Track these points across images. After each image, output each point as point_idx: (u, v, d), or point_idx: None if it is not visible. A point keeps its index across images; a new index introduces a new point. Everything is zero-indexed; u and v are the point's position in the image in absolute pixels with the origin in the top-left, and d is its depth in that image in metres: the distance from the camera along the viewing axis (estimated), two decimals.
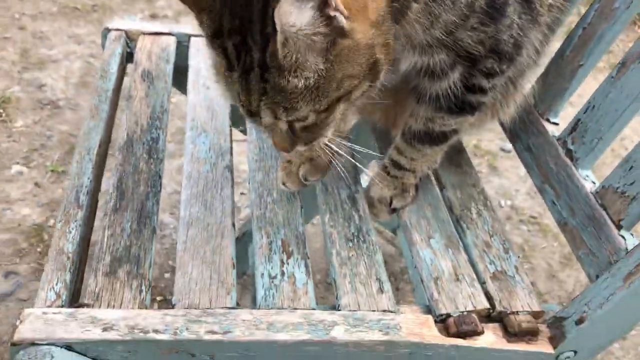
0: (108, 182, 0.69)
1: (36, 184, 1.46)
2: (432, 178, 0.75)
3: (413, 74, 0.62)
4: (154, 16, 2.13)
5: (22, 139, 1.58)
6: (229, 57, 0.51)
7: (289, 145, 0.55)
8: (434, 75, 0.61)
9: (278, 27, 0.46)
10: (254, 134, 0.76)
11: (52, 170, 1.50)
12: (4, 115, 1.64)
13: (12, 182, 1.46)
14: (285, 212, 0.66)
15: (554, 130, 0.73)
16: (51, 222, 1.38)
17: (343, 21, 0.47)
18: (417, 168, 0.69)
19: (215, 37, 0.52)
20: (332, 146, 0.57)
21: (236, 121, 0.82)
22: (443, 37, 0.57)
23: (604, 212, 0.62)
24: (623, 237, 0.59)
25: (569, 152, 0.69)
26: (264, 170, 0.71)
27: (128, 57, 0.90)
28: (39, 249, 1.31)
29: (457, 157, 0.78)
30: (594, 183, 0.66)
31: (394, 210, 0.70)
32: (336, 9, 0.46)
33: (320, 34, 0.47)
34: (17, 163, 1.52)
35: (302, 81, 0.49)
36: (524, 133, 0.76)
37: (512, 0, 0.59)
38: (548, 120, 0.74)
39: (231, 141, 0.75)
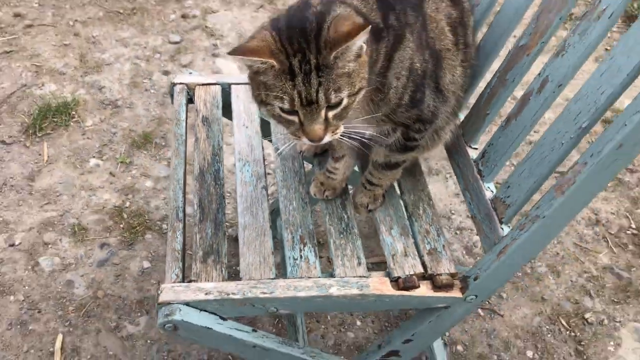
0: (192, 202, 1.12)
1: (111, 174, 1.89)
2: (396, 186, 1.15)
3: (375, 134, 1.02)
4: (185, 16, 2.49)
5: (94, 135, 2.00)
6: (293, 67, 0.84)
7: (322, 133, 0.86)
8: (386, 135, 1.01)
9: (338, 47, 0.82)
10: (279, 162, 1.17)
11: (121, 162, 1.92)
12: (76, 116, 2.05)
13: (92, 173, 1.90)
14: (301, 216, 1.08)
15: (473, 154, 1.12)
16: (127, 204, 1.82)
17: (365, 50, 0.86)
18: (383, 184, 1.10)
19: (286, 58, 0.84)
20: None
21: (267, 134, 1.23)
22: (386, 116, 0.97)
23: (494, 213, 1.02)
24: (502, 229, 1.00)
25: (479, 171, 1.08)
26: (287, 187, 1.13)
27: (189, 101, 1.30)
28: (121, 225, 1.75)
29: (414, 169, 1.18)
30: (492, 192, 1.06)
31: (370, 211, 1.11)
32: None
33: (356, 52, 0.85)
34: (94, 157, 1.94)
35: (345, 71, 0.85)
36: (456, 154, 1.15)
37: (428, 94, 0.97)
38: (470, 146, 1.13)
39: (265, 167, 1.16)
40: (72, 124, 2.02)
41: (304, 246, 1.03)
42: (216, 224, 1.05)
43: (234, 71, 2.25)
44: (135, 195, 1.82)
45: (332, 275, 1.00)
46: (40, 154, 1.92)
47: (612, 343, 1.52)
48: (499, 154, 1.05)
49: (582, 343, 1.52)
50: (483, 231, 1.04)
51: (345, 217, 1.09)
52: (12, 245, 1.68)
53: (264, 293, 0.95)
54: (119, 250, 1.69)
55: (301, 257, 1.02)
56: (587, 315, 1.57)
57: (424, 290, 1.00)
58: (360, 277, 0.99)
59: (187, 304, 0.93)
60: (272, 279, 0.98)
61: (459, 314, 1.05)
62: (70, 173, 1.87)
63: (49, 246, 1.68)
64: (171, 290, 0.94)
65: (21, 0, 2.52)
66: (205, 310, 0.94)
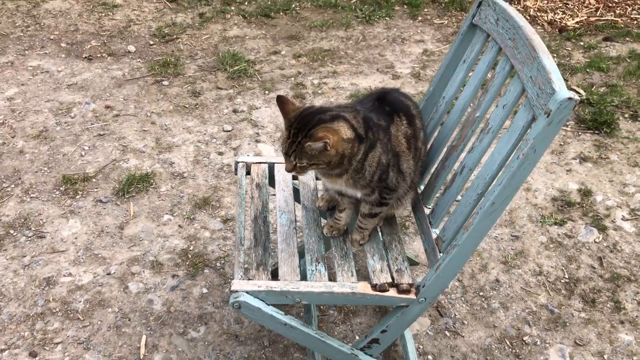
0: (250, 235, 1.77)
1: (179, 226, 2.56)
2: (379, 230, 1.79)
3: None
4: (235, 111, 3.23)
5: (166, 198, 2.69)
6: (290, 134, 1.53)
7: (290, 169, 1.57)
8: (369, 194, 1.67)
9: (309, 141, 1.49)
10: (304, 213, 1.82)
11: (187, 217, 2.59)
12: (154, 184, 2.76)
13: (166, 225, 2.57)
14: (317, 246, 1.72)
15: (427, 211, 1.77)
16: (191, 247, 2.47)
17: (329, 148, 1.52)
18: (368, 227, 1.74)
19: (290, 127, 1.54)
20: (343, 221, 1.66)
21: (296, 197, 1.89)
22: (367, 185, 1.63)
23: (436, 246, 1.65)
24: (440, 255, 1.62)
25: (430, 221, 1.72)
26: (309, 228, 1.78)
27: (247, 173, 1.98)
28: (187, 262, 2.40)
29: (391, 221, 1.82)
30: (436, 234, 1.69)
31: (361, 245, 1.75)
32: (329, 146, 1.52)
33: (320, 148, 1.51)
34: (167, 214, 2.62)
35: (308, 153, 1.51)
36: (417, 211, 1.80)
37: (391, 175, 1.63)
38: (426, 206, 1.78)
39: (295, 216, 1.82)
40: (150, 189, 2.71)
41: (318, 263, 1.67)
42: (264, 248, 1.70)
43: (271, 152, 2.96)
44: (197, 242, 2.47)
45: (335, 281, 1.63)
46: (127, 211, 2.60)
47: (542, 358, 2.08)
48: (440, 210, 1.70)
49: (520, 357, 2.08)
50: (430, 257, 1.67)
51: (345, 247, 1.73)
52: (109, 274, 2.33)
53: (293, 288, 1.58)
54: (185, 279, 2.32)
55: (316, 269, 1.65)
56: (525, 338, 2.14)
57: (392, 293, 1.62)
58: (352, 282, 1.62)
59: (247, 292, 1.56)
60: (297, 280, 1.61)
61: (415, 312, 1.65)
62: (150, 225, 2.54)
63: (135, 275, 2.32)
64: (238, 284, 1.58)
65: (110, 95, 3.31)
66: (257, 298, 1.57)
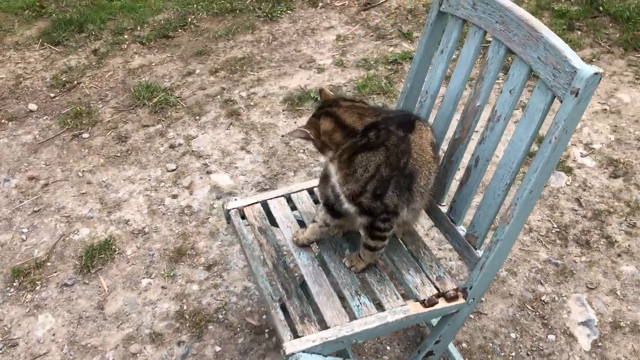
0: (277, 287, 1.65)
1: (163, 287, 2.36)
2: (401, 241, 1.73)
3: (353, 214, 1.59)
4: (172, 146, 3.02)
5: (137, 261, 2.47)
6: None
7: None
8: (359, 215, 1.57)
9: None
10: (320, 247, 1.73)
11: (167, 276, 2.40)
12: (117, 249, 2.52)
13: (147, 290, 2.36)
14: (350, 278, 1.63)
15: (443, 209, 1.72)
16: (185, 307, 2.29)
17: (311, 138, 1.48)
18: (365, 260, 1.63)
19: None
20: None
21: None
22: (357, 196, 1.54)
23: (469, 244, 1.62)
24: (478, 252, 1.59)
25: (451, 219, 1.69)
26: (333, 261, 1.68)
27: (243, 216, 1.84)
28: (187, 324, 2.22)
29: (411, 230, 1.76)
30: (463, 231, 1.66)
31: (356, 272, 1.66)
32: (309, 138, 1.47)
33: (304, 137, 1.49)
34: (144, 277, 2.41)
35: (302, 136, 1.53)
36: (433, 212, 1.75)
37: (389, 194, 1.54)
38: (440, 204, 1.74)
39: (313, 252, 1.71)
40: (116, 256, 2.48)
41: (360, 296, 1.59)
42: (299, 297, 1.59)
43: (227, 180, 2.80)
44: (188, 299, 2.30)
45: (383, 309, 1.55)
46: (100, 286, 2.37)
47: (564, 312, 2.14)
48: (460, 207, 1.66)
49: (545, 317, 2.13)
50: (465, 256, 1.64)
51: (379, 272, 1.66)
52: None
53: (348, 332, 1.49)
54: (192, 343, 2.15)
55: (361, 303, 1.57)
56: (543, 298, 2.19)
57: (442, 304, 1.57)
58: (401, 306, 1.55)
59: (304, 351, 1.45)
60: (349, 322, 1.52)
61: (465, 314, 1.62)
62: (131, 295, 2.32)
63: (137, 355, 2.12)
64: (291, 345, 1.46)
65: (29, 165, 2.98)
66: (314, 352, 1.47)
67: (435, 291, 1.59)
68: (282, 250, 1.74)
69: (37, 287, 2.37)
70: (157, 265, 2.44)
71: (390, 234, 1.60)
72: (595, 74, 1.25)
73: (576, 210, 2.49)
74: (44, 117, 3.29)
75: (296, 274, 1.89)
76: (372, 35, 3.75)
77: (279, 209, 1.85)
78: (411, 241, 1.74)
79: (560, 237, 2.40)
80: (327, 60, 3.55)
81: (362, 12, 3.97)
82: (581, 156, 2.73)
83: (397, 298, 1.58)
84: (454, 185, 1.72)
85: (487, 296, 2.21)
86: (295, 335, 1.50)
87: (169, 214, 2.66)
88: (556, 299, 2.18)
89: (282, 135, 3.00)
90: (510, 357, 2.02)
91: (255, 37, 3.83)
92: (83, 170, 2.92)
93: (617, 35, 3.49)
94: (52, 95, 3.46)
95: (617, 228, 2.40)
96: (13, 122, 3.27)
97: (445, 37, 1.70)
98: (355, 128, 1.51)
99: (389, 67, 3.44)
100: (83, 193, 2.80)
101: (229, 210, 1.85)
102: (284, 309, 1.58)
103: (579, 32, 3.56)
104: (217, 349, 2.12)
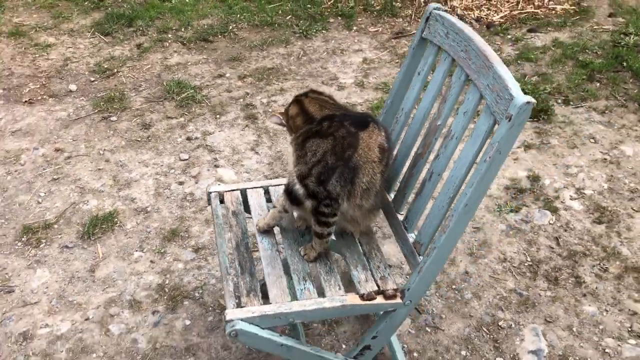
0: (235, 264, 1.81)
1: (151, 261, 2.56)
2: (357, 240, 1.87)
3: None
4: (189, 139, 3.25)
5: (134, 235, 2.68)
6: None
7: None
8: (306, 198, 1.72)
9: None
10: (285, 235, 1.88)
11: (158, 252, 2.59)
12: (118, 222, 2.74)
13: (137, 262, 2.55)
14: (302, 265, 1.77)
15: (400, 217, 1.85)
16: (167, 281, 2.47)
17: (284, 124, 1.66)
18: (316, 248, 1.77)
19: None
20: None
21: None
22: (303, 175, 1.69)
23: (414, 249, 1.74)
24: (420, 258, 1.71)
25: (405, 227, 1.81)
26: (291, 248, 1.83)
27: (222, 200, 2.02)
28: (165, 297, 2.40)
29: (368, 232, 1.90)
30: (413, 238, 1.78)
31: (311, 260, 1.80)
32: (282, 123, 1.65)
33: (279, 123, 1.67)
34: (137, 250, 2.61)
35: (279, 123, 1.74)
36: (391, 219, 1.89)
37: (333, 182, 1.68)
38: (399, 213, 1.87)
39: (275, 238, 1.87)
40: (116, 228, 2.69)
41: (306, 282, 1.73)
42: (251, 274, 1.74)
43: (232, 175, 2.99)
44: (172, 275, 2.48)
45: (324, 296, 1.69)
46: (95, 253, 2.58)
47: (518, 339, 2.21)
48: (413, 216, 1.79)
49: (498, 341, 2.21)
50: (410, 261, 1.76)
51: (329, 264, 1.80)
52: (87, 319, 2.31)
53: (286, 309, 1.63)
54: (166, 314, 2.32)
55: (305, 287, 1.71)
56: (500, 323, 2.27)
57: (380, 300, 1.70)
58: (341, 296, 1.69)
59: (242, 319, 1.60)
60: (289, 301, 1.66)
61: (402, 315, 1.74)
62: (121, 264, 2.52)
63: (115, 317, 2.31)
64: (232, 313, 1.61)
65: (58, 138, 3.26)
66: (252, 324, 1.61)
67: (375, 288, 1.72)
68: (248, 233, 1.90)
69: (41, 245, 2.60)
70: (150, 242, 2.64)
71: (333, 221, 1.74)
72: (527, 102, 1.38)
73: (553, 249, 2.56)
74: (81, 98, 3.58)
75: (255, 256, 2.04)
76: (397, 62, 3.92)
77: (255, 198, 2.02)
78: (366, 242, 1.88)
79: (531, 270, 2.47)
80: (349, 80, 3.73)
81: (392, 40, 4.14)
82: (570, 199, 2.80)
83: (339, 289, 1.72)
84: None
85: (448, 314, 2.30)
86: (239, 305, 1.66)
87: (172, 198, 2.86)
88: (513, 326, 2.26)
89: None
90: None
91: (288, 50, 4.05)
92: (104, 149, 3.17)
93: (635, 91, 3.55)
94: (92, 79, 3.75)
95: (589, 270, 2.46)
96: (53, 99, 3.57)
97: (422, 61, 1.85)
98: (314, 116, 1.68)
99: None
100: (100, 169, 3.04)
101: (210, 193, 2.03)
102: (237, 285, 1.74)
103: (598, 84, 3.63)
104: (187, 322, 2.28)
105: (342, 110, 1.73)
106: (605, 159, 3.05)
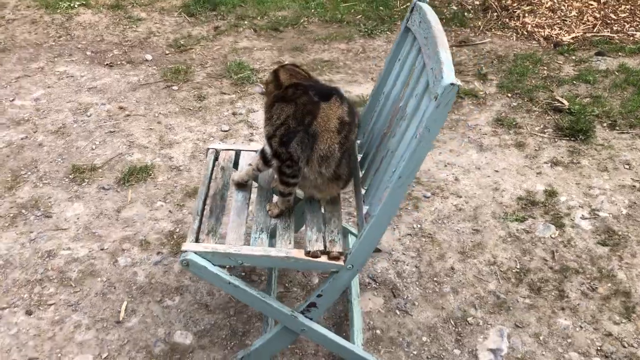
0: (207, 209, 2.03)
1: (169, 211, 2.84)
2: (322, 207, 2.02)
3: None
4: (234, 113, 3.52)
5: (162, 187, 2.98)
6: None
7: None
8: (272, 157, 1.90)
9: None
10: (258, 191, 2.07)
11: (177, 204, 2.87)
12: (152, 175, 3.06)
13: (157, 210, 2.85)
14: (264, 218, 1.96)
15: (363, 191, 1.98)
16: (177, 230, 2.74)
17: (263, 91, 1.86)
18: (279, 206, 1.94)
19: None
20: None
21: (255, 179, 2.14)
22: (269, 135, 1.87)
23: (364, 220, 1.87)
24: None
25: (363, 200, 1.94)
26: (259, 203, 2.02)
27: (216, 159, 2.25)
28: (172, 242, 2.67)
29: (336, 200, 2.04)
30: (366, 210, 1.91)
31: (272, 216, 1.97)
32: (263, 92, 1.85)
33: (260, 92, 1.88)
34: (159, 200, 2.91)
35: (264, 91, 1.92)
36: (357, 192, 2.02)
37: (294, 145, 1.82)
38: (363, 187, 2.00)
39: (251, 194, 2.07)
40: (149, 179, 3.01)
41: (262, 232, 1.91)
42: (217, 219, 1.95)
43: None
44: (183, 225, 2.75)
45: (273, 247, 1.86)
46: (126, 197, 2.90)
47: (481, 337, 2.25)
48: (371, 190, 1.91)
49: (461, 335, 2.26)
50: (360, 230, 1.89)
51: (288, 222, 1.96)
52: (102, 249, 2.62)
53: (235, 251, 1.82)
54: (168, 257, 2.59)
55: (259, 237, 1.89)
56: (469, 319, 2.31)
57: (323, 259, 1.84)
58: (288, 248, 1.85)
59: (195, 252, 1.82)
60: (241, 245, 1.85)
61: (345, 278, 1.86)
62: (144, 209, 2.83)
63: (125, 251, 2.61)
64: (187, 245, 1.83)
65: (125, 98, 3.66)
66: (205, 258, 1.82)
67: (322, 248, 1.87)
68: (227, 187, 2.11)
69: (84, 184, 2.97)
70: (174, 195, 2.92)
71: (294, 182, 1.91)
72: (452, 84, 1.48)
73: (546, 261, 2.55)
74: (153, 67, 3.98)
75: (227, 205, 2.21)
76: None
77: (246, 159, 2.23)
78: (330, 210, 2.03)
79: (517, 277, 2.48)
80: None
81: (453, 47, 4.20)
82: (581, 218, 2.75)
83: (289, 243, 1.88)
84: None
85: (421, 302, 2.38)
86: (197, 241, 1.87)
87: (204, 162, 3.13)
88: (481, 324, 2.29)
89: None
90: (411, 356, 2.19)
91: (348, 46, 4.24)
92: (160, 113, 3.52)
93: None
94: (167, 52, 4.15)
95: (576, 287, 2.43)
96: (130, 65, 4.00)
97: (403, 48, 1.97)
98: (283, 83, 1.86)
99: None
100: (151, 129, 3.39)
101: (209, 149, 2.26)
102: (202, 225, 1.96)
103: None
104: None
105: (310, 81, 1.89)
106: (634, 186, 2.95)
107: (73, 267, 2.53)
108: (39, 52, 4.14)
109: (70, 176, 3.02)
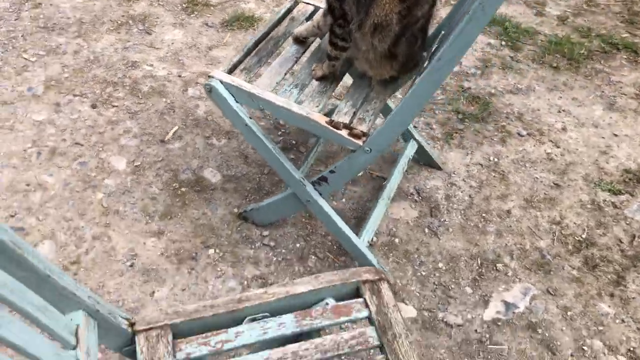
0: (256, 52, 1.93)
1: None
2: (369, 88, 1.84)
3: None
4: None
5: None
6: None
7: None
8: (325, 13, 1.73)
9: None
10: (310, 57, 1.93)
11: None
12: (254, 26, 3.01)
13: None
14: (305, 77, 1.83)
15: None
16: None
17: None
18: (324, 69, 1.80)
19: None
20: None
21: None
22: None
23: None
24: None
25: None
26: (309, 62, 1.88)
27: (293, 8, 2.12)
28: None
29: (387, 84, 1.85)
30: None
31: (316, 78, 1.82)
32: None
33: None
34: None
35: None
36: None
37: (349, 1, 1.63)
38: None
39: (305, 51, 1.93)
40: (250, 30, 2.98)
41: (295, 88, 1.79)
42: (259, 60, 1.86)
43: None
44: None
45: (299, 103, 1.74)
46: (223, 38, 2.91)
47: (503, 287, 2.00)
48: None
49: (483, 277, 2.03)
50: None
51: (328, 86, 1.82)
52: (179, 76, 2.67)
53: (259, 93, 1.73)
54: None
55: (290, 90, 1.78)
56: (499, 265, 2.06)
57: (343, 132, 1.69)
58: (311, 110, 1.72)
59: (221, 81, 1.75)
60: (266, 91, 1.75)
61: (361, 160, 1.71)
62: (232, 53, 2.82)
63: (198, 84, 2.64)
64: (218, 73, 1.77)
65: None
66: (228, 90, 1.75)
67: (346, 121, 1.71)
68: (286, 37, 1.99)
69: (192, 15, 3.02)
70: None
71: (342, 45, 1.75)
72: None
73: (621, 242, 2.17)
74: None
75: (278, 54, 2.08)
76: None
77: (316, 17, 2.08)
78: (378, 91, 1.84)
79: (576, 245, 2.15)
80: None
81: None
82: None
83: (316, 107, 1.75)
84: None
85: (456, 231, 2.16)
86: (229, 72, 1.80)
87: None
88: (509, 274, 2.04)
89: None
90: (418, 275, 2.02)
91: None
92: None
93: None
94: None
95: (639, 280, 2.06)
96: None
97: None
98: None
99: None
100: None
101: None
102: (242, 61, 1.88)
103: None
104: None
105: None
106: None
107: (147, 82, 2.61)
108: None
109: (184, 4, 3.07)
